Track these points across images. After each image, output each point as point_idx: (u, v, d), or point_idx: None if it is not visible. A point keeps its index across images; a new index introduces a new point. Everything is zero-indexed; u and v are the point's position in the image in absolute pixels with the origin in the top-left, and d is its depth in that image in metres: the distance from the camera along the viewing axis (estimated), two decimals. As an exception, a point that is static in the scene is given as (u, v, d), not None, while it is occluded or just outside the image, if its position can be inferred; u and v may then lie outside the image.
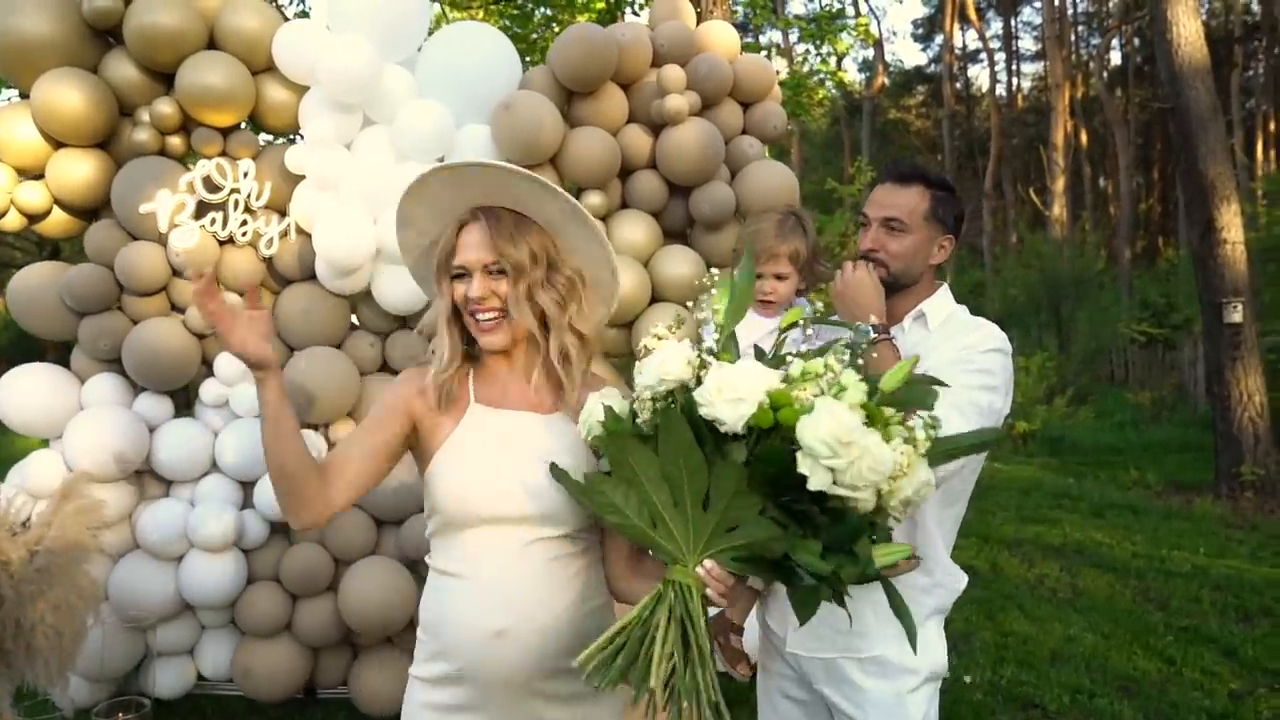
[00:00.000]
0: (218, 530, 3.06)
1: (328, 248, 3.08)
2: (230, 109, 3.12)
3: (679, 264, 3.29)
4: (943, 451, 1.28)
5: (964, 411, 1.72)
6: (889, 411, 1.24)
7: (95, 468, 2.99)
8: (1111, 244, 24.36)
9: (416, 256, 1.73)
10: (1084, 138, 28.79)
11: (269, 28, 3.15)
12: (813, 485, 1.14)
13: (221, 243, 3.21)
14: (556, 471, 1.48)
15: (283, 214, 3.25)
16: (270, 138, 3.57)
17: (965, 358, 1.79)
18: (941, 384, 1.37)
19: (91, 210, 3.25)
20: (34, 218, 3.21)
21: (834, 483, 1.14)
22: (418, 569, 3.40)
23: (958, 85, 33.23)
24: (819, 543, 1.18)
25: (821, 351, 1.28)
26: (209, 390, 3.27)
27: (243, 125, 3.33)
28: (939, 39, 31.43)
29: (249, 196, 3.19)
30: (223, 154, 3.21)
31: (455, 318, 1.64)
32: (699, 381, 1.24)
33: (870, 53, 30.23)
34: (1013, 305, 18.27)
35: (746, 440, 1.22)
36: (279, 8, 6.84)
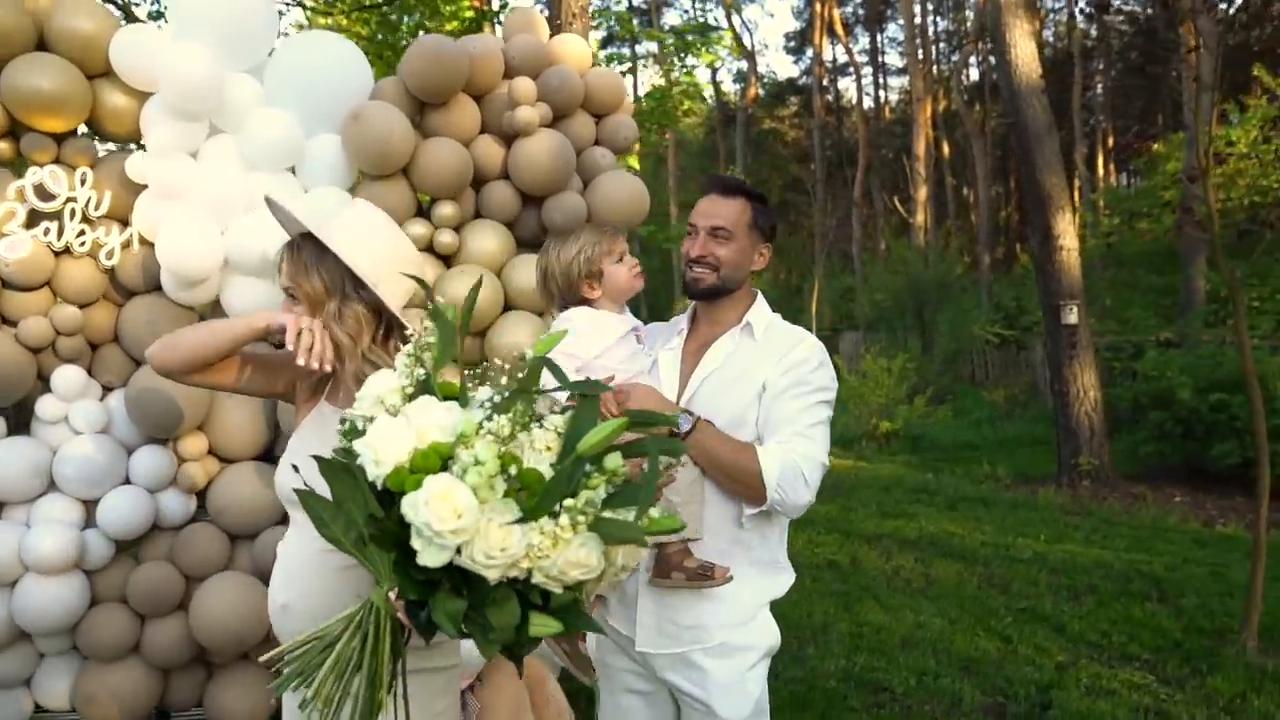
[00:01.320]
0: (55, 550, 2.95)
1: (172, 258, 3.01)
2: (62, 114, 3.03)
3: (531, 273, 3.34)
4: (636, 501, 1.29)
5: (813, 436, 1.94)
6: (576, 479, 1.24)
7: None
8: (973, 250, 25.72)
9: None
10: (946, 149, 30.32)
11: (105, 31, 3.06)
12: (422, 560, 1.17)
13: (57, 253, 3.10)
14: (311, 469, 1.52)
15: (125, 224, 3.16)
16: (112, 146, 3.45)
17: (799, 378, 1.98)
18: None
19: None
20: None
21: (462, 556, 1.18)
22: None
23: (828, 97, 34.46)
24: (462, 601, 1.23)
25: (509, 406, 1.28)
26: (46, 406, 3.15)
27: (79, 132, 3.22)
28: (810, 52, 32.54)
29: (87, 205, 3.09)
30: (57, 161, 3.10)
31: None
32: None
33: (744, 64, 31.04)
34: (880, 309, 19.10)
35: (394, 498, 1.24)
36: (127, 9, 6.55)
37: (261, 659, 1.40)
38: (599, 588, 1.40)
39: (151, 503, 3.16)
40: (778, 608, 2.08)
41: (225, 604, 3.09)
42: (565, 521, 1.20)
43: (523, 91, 3.32)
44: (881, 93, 35.71)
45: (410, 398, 1.31)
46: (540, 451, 1.28)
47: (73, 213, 3.07)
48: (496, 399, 1.28)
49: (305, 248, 1.82)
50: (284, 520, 3.31)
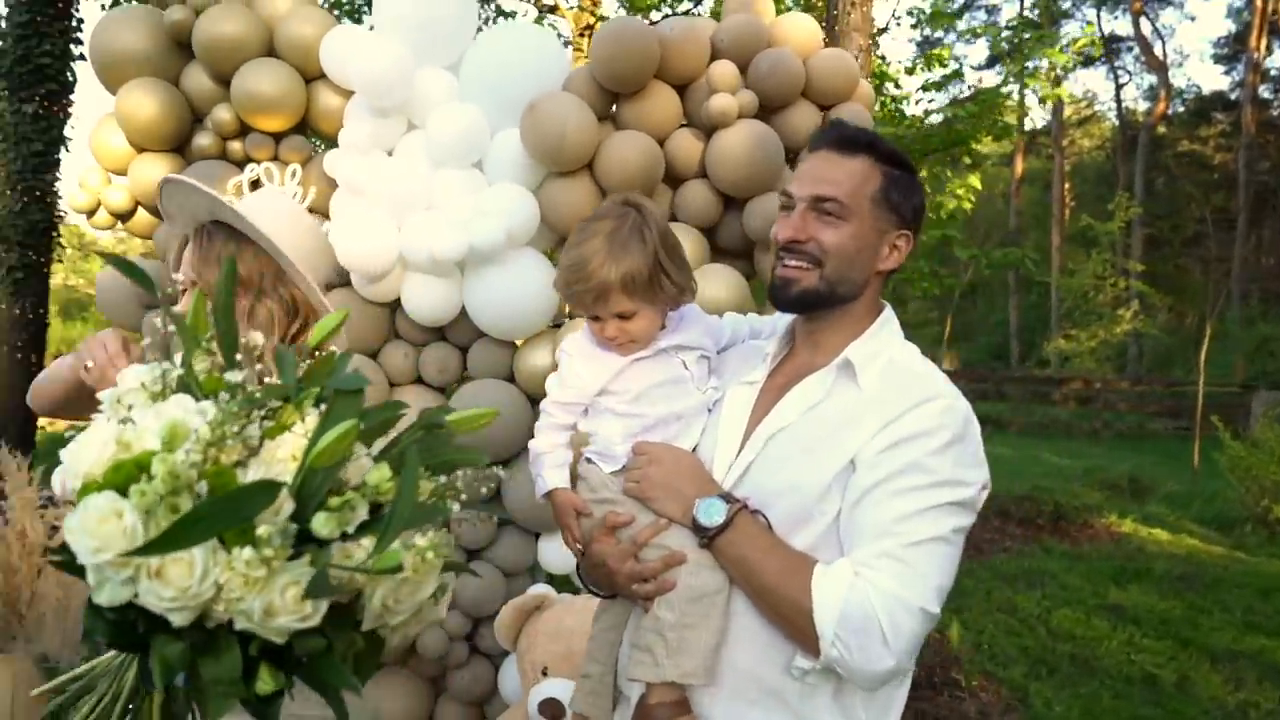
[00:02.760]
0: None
1: (347, 252, 3.01)
2: (279, 115, 3.16)
3: (714, 285, 2.91)
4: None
5: (914, 562, 1.24)
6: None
7: None
8: None
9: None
10: None
11: (323, 34, 3.16)
12: (96, 597, 0.89)
13: (269, 246, 3.24)
14: None
15: (326, 218, 3.24)
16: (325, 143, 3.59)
17: (910, 461, 1.28)
18: None
19: (168, 212, 3.41)
20: (121, 216, 3.42)
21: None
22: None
23: (1273, 111, 29.18)
24: (180, 644, 0.89)
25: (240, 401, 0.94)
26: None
27: (307, 133, 3.37)
28: (1244, 60, 27.70)
29: (295, 200, 3.20)
30: (274, 158, 3.25)
31: None
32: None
33: (1154, 78, 27.27)
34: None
35: None
36: (352, 12, 7.03)
37: (34, 692, 1.19)
38: (393, 641, 1.04)
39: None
40: None
41: (375, 609, 3.02)
42: (249, 556, 0.87)
43: (722, 77, 2.90)
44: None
45: (159, 396, 0.99)
46: (285, 463, 0.93)
47: (281, 208, 3.18)
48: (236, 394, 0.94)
49: (217, 236, 1.60)
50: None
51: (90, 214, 3.38)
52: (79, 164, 3.47)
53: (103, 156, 3.32)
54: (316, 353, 1.10)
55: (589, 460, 1.49)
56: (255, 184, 3.16)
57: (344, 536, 0.94)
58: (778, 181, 2.96)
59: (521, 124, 2.95)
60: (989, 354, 28.92)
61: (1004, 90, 8.51)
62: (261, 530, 0.86)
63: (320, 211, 3.24)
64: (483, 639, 3.26)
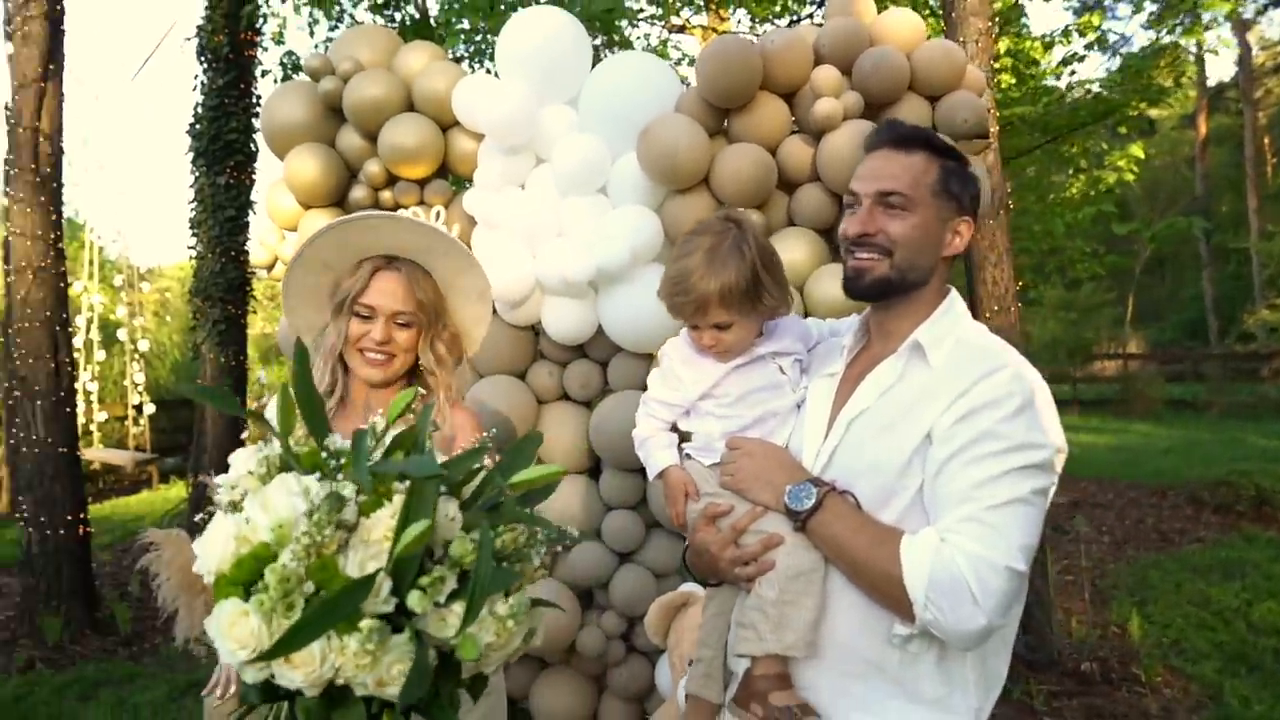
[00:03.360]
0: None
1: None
2: (421, 163, 3.46)
3: (834, 285, 2.96)
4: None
5: (996, 524, 1.30)
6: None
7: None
8: None
9: (303, 293, 1.80)
10: None
11: (454, 86, 3.45)
12: (244, 676, 1.05)
13: (421, 283, 3.56)
14: None
15: (470, 254, 3.52)
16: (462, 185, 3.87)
17: (983, 430, 1.33)
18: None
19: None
20: (296, 270, 3.84)
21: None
22: (592, 596, 3.45)
23: None
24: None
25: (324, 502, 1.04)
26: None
27: (448, 177, 3.68)
28: None
29: (440, 240, 3.50)
30: (420, 202, 3.57)
31: (330, 349, 1.78)
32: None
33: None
34: None
35: None
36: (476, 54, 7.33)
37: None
38: (487, 665, 1.15)
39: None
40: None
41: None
42: (355, 647, 1.01)
43: (825, 82, 2.97)
44: None
45: (265, 479, 1.13)
46: (380, 542, 1.07)
47: (428, 247, 3.49)
48: (324, 488, 1.07)
49: (416, 270, 1.80)
50: (598, 535, 3.40)
51: (269, 268, 3.81)
52: (260, 225, 3.94)
53: (276, 216, 3.74)
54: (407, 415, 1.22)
55: (689, 456, 1.62)
56: (405, 228, 3.49)
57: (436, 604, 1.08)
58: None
59: (638, 148, 3.12)
60: (1183, 333, 26.71)
61: (1168, 44, 7.92)
62: (363, 625, 1.01)
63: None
64: (639, 637, 3.42)
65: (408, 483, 1.08)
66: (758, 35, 7.06)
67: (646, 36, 10.10)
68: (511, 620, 1.08)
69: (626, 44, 7.95)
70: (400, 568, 1.05)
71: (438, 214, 3.52)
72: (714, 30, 8.74)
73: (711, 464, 1.59)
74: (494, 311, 3.45)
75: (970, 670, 1.41)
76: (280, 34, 8.13)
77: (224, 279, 7.53)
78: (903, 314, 1.51)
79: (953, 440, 1.34)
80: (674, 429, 1.66)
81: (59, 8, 5.43)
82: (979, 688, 1.42)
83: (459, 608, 1.06)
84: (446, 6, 6.07)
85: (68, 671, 4.66)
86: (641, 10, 7.49)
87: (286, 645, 0.98)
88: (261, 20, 7.72)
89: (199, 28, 7.63)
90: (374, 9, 8.64)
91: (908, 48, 3.08)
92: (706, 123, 3.12)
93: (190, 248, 7.68)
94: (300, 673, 1.01)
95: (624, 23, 7.63)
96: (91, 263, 10.30)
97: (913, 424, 1.40)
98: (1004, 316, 4.44)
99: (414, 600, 1.04)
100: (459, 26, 6.17)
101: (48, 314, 5.16)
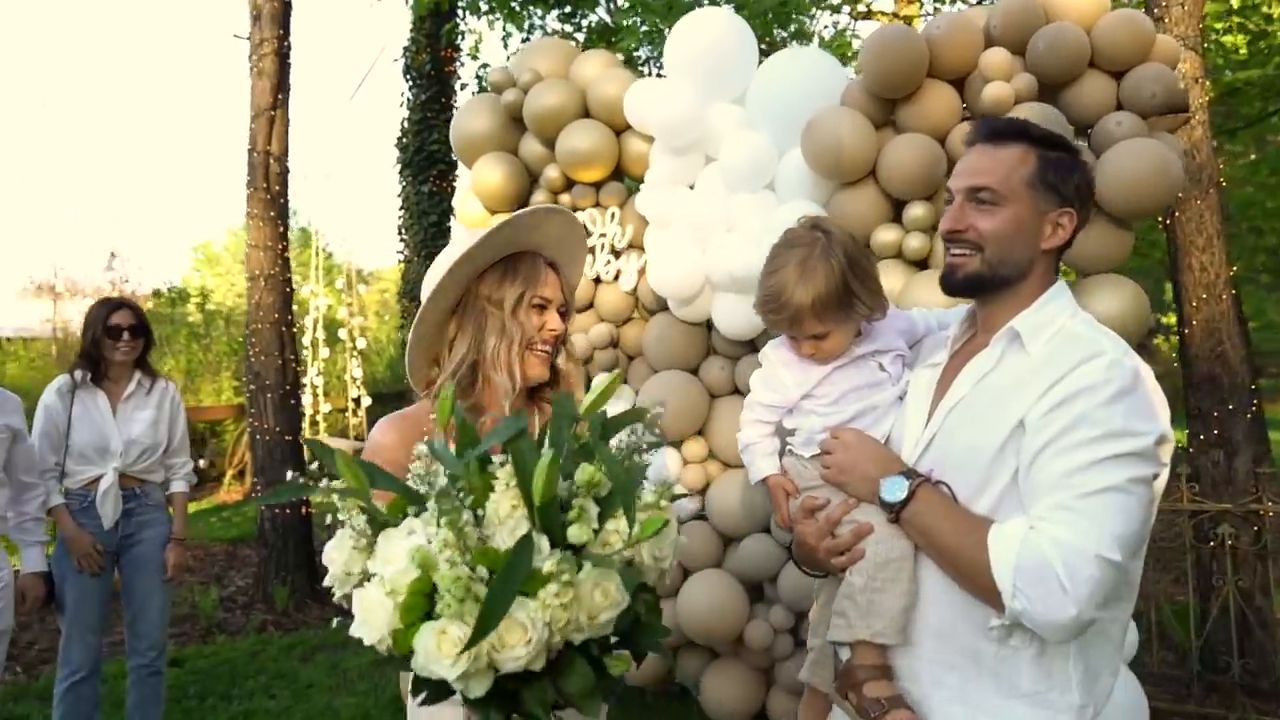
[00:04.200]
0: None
1: (658, 280, 3.39)
2: (595, 166, 3.64)
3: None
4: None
5: (1089, 512, 1.27)
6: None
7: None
8: None
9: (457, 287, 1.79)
10: None
11: (626, 91, 3.59)
12: (470, 694, 1.12)
13: (597, 281, 3.74)
14: None
15: (643, 251, 3.67)
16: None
17: (1077, 416, 1.31)
18: None
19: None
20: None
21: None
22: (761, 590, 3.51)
23: None
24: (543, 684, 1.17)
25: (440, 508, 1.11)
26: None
27: (623, 179, 3.84)
28: None
29: (613, 239, 3.67)
30: (596, 204, 3.75)
31: (508, 347, 1.72)
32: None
33: None
34: None
35: None
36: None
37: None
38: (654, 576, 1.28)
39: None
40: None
41: (705, 596, 3.35)
42: (554, 589, 1.10)
43: (993, 65, 2.88)
44: None
45: (369, 548, 1.21)
46: (514, 514, 1.15)
47: (603, 246, 3.67)
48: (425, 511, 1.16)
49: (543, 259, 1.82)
50: (766, 529, 3.46)
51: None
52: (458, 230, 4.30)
53: (466, 221, 4.03)
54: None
55: (791, 453, 1.66)
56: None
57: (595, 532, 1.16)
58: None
59: (802, 142, 3.14)
60: None
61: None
62: (547, 565, 1.09)
63: (639, 246, 3.68)
64: (806, 631, 3.45)
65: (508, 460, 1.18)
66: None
67: (835, 24, 9.95)
68: (663, 498, 1.18)
69: (805, 36, 7.87)
70: (546, 518, 1.14)
71: (612, 215, 3.68)
72: (897, 16, 8.49)
73: (812, 455, 1.62)
74: (666, 308, 3.60)
75: (1074, 667, 1.37)
76: (476, 49, 8.66)
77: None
78: (1004, 305, 1.49)
79: (1047, 428, 1.32)
80: (778, 429, 1.70)
81: (286, 43, 6.07)
82: (1082, 686, 1.38)
83: (615, 524, 1.16)
84: (624, 8, 6.25)
85: (292, 634, 5.27)
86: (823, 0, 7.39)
87: (485, 622, 1.05)
88: (460, 37, 8.27)
89: (405, 48, 8.27)
90: (563, 18, 9.03)
91: (1087, 21, 2.92)
92: (872, 114, 3.09)
93: (399, 252, 8.36)
94: (519, 645, 1.09)
95: (808, 14, 7.55)
96: (318, 267, 11.37)
97: (1006, 411, 1.39)
98: (1214, 306, 4.10)
99: (574, 534, 1.13)
100: (637, 27, 6.35)
101: (276, 316, 5.81)
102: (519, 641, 1.08)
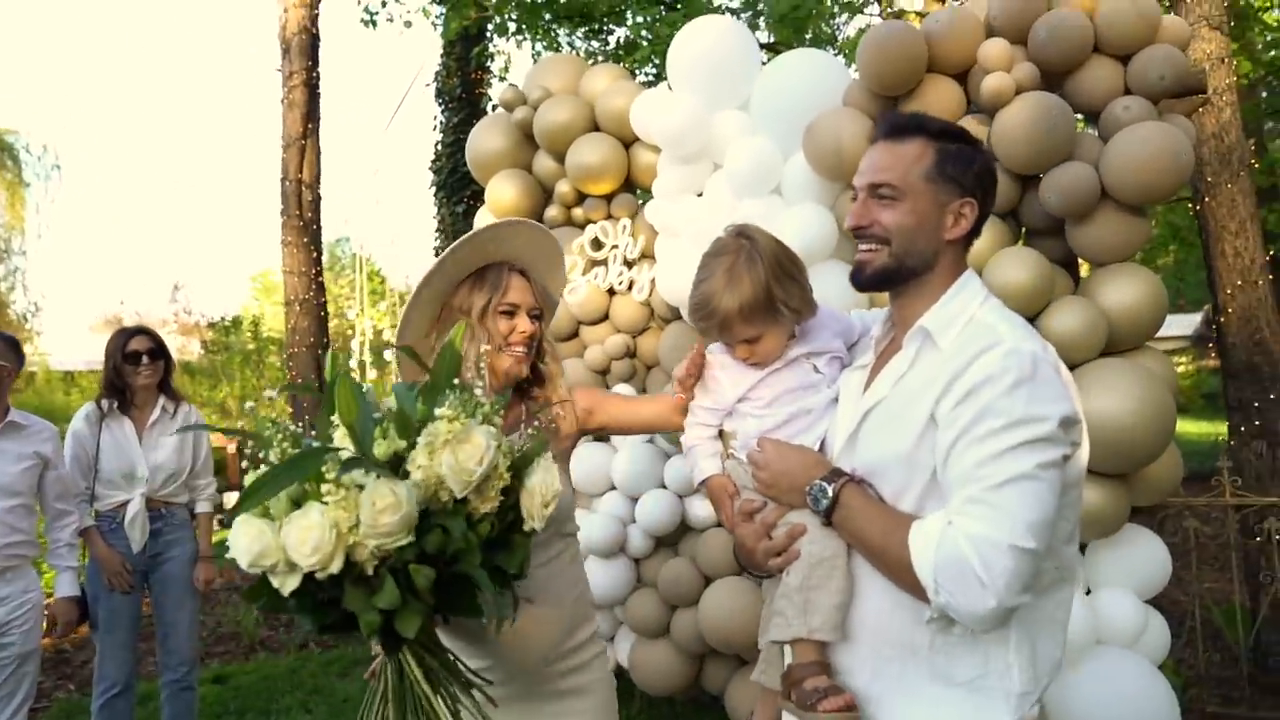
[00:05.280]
0: (604, 539, 3.56)
1: (669, 288, 3.40)
2: (605, 179, 3.67)
3: (1013, 269, 2.82)
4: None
5: (999, 504, 1.27)
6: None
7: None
8: None
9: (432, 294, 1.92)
10: None
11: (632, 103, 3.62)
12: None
13: (611, 293, 3.76)
14: None
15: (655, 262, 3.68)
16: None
17: (982, 408, 1.30)
18: None
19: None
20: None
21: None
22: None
23: None
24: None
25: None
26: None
27: (635, 191, 3.86)
28: None
29: (625, 250, 3.69)
30: (608, 216, 3.77)
31: (480, 350, 1.85)
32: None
33: None
34: None
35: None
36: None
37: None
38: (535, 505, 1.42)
39: (678, 505, 3.58)
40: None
41: (725, 604, 3.33)
42: (326, 489, 1.25)
43: (992, 56, 2.85)
44: None
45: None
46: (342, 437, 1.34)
47: (615, 257, 3.69)
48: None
49: (514, 267, 1.94)
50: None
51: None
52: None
53: (485, 239, 4.09)
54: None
55: (732, 456, 1.67)
56: (595, 242, 3.70)
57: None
58: (1070, 151, 2.81)
59: (803, 145, 3.14)
60: None
61: None
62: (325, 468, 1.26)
63: (650, 256, 3.70)
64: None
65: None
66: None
67: (868, 25, 9.85)
68: (462, 417, 1.32)
69: (829, 40, 7.83)
70: (360, 441, 1.28)
71: (624, 226, 3.71)
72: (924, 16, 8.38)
73: (704, 479, 1.68)
74: (680, 317, 3.61)
75: (1014, 654, 1.37)
76: (505, 70, 8.79)
77: (465, 300, 8.26)
78: (915, 299, 1.50)
79: (955, 423, 1.33)
80: (720, 433, 1.72)
81: (315, 74, 6.24)
82: (1024, 672, 1.38)
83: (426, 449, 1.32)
84: (640, 24, 6.29)
85: (331, 651, 5.36)
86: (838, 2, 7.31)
87: (252, 496, 1.23)
88: (489, 59, 8.40)
89: (436, 73, 8.43)
90: (589, 34, 9.12)
91: (1090, 5, 2.87)
92: (874, 113, 3.07)
93: (436, 273, 8.49)
94: (307, 544, 1.22)
95: (826, 18, 7.50)
96: (362, 287, 11.59)
97: (917, 409, 1.40)
98: (1250, 292, 3.97)
99: (380, 449, 1.29)
100: (654, 42, 6.38)
101: (312, 340, 5.95)
102: (306, 540, 1.22)
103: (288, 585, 1.25)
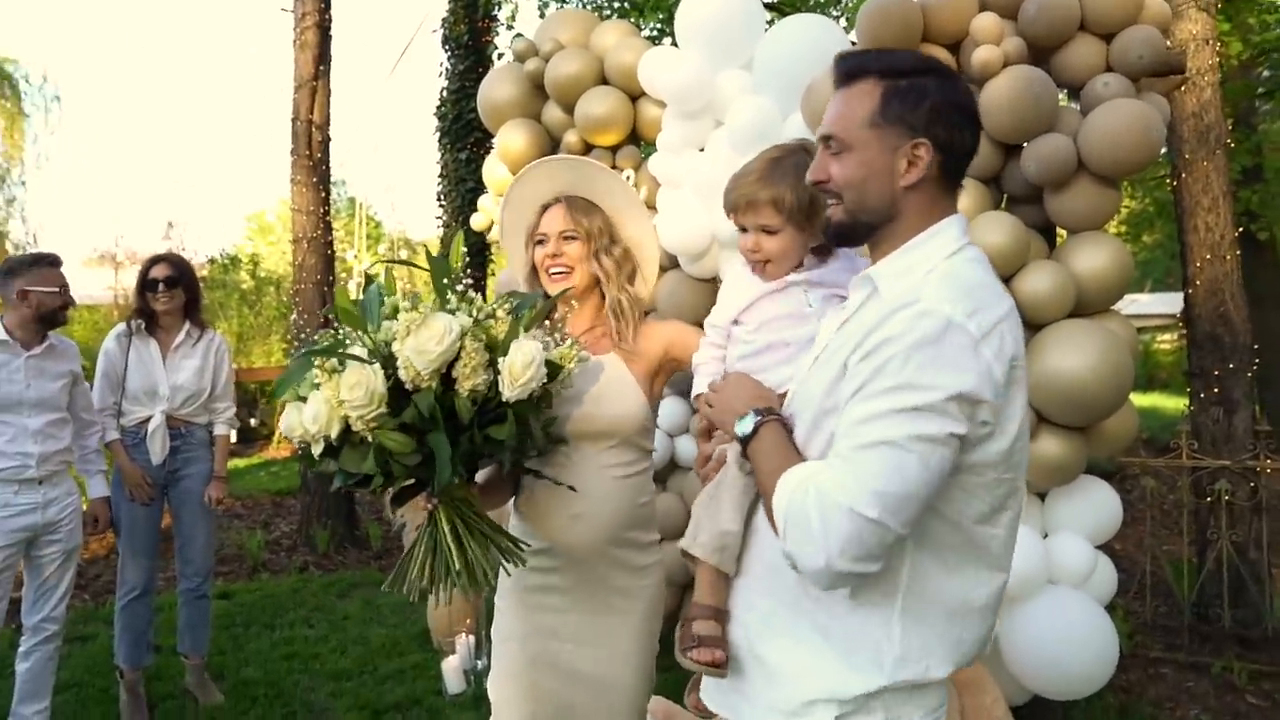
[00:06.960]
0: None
1: (669, 238, 3.59)
2: (611, 131, 3.83)
3: (991, 232, 3.02)
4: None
5: (858, 461, 1.23)
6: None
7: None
8: None
9: (511, 234, 2.28)
10: None
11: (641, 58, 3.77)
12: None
13: (613, 240, 3.94)
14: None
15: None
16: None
17: (877, 366, 1.25)
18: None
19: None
20: (509, 231, 4.36)
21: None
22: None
23: None
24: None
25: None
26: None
27: (639, 143, 4.03)
28: None
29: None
30: (613, 167, 3.94)
31: (533, 276, 2.20)
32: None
33: None
34: None
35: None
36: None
37: (384, 586, 1.87)
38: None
39: (668, 443, 3.80)
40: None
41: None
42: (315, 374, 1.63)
43: (984, 29, 3.01)
44: None
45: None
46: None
47: (617, 207, 3.87)
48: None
49: (577, 200, 2.17)
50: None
51: (487, 230, 4.36)
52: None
53: (492, 184, 4.26)
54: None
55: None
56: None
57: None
58: (1051, 124, 2.99)
59: (801, 105, 3.30)
60: None
61: None
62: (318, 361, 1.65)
63: (653, 206, 3.87)
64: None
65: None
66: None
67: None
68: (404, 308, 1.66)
69: (832, 2, 7.91)
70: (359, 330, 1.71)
71: (627, 177, 3.88)
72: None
73: (696, 394, 1.76)
74: (678, 265, 3.80)
75: (897, 624, 1.32)
76: (512, 19, 8.85)
77: (468, 244, 8.42)
78: (880, 250, 1.42)
79: (856, 376, 1.28)
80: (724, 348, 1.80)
81: (328, 16, 6.32)
82: (905, 644, 1.33)
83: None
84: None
85: (331, 574, 5.64)
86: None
87: (282, 386, 1.68)
88: (496, 8, 8.47)
89: (443, 20, 8.49)
90: (602, -13, 9.16)
91: (1079, -14, 3.04)
92: (869, 78, 3.23)
93: (438, 218, 8.62)
94: (310, 419, 1.61)
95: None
96: (362, 232, 11.72)
97: (838, 358, 1.35)
98: (1218, 266, 4.18)
99: (368, 342, 1.67)
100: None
101: (319, 277, 6.12)
102: (311, 413, 1.60)
103: (315, 449, 1.65)
